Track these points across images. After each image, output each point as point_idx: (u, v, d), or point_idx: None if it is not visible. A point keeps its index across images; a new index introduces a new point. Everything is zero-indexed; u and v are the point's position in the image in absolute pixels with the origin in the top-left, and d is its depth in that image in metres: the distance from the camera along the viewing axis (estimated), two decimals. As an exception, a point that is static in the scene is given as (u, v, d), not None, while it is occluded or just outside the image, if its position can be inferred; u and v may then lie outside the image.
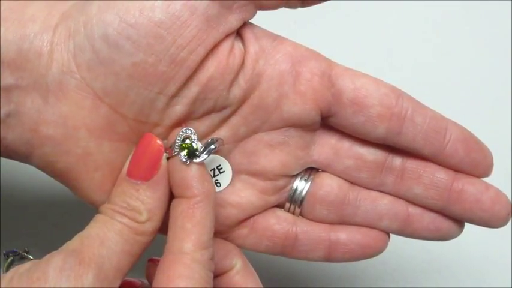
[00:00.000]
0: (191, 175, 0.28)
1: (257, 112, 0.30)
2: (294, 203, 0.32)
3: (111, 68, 0.27)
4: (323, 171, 0.32)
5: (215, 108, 0.29)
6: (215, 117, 0.30)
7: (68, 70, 0.27)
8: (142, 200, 0.27)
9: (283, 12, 0.55)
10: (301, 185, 0.32)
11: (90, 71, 0.27)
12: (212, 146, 0.28)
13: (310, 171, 0.32)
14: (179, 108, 0.28)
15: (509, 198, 0.45)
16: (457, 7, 0.55)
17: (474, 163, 0.31)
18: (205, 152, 0.28)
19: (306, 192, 0.32)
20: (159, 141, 0.28)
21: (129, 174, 0.28)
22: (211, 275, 0.27)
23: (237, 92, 0.29)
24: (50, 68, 0.27)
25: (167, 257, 0.27)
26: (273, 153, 0.31)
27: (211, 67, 0.28)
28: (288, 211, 0.32)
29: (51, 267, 0.25)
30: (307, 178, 0.32)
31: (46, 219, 0.45)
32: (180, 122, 0.29)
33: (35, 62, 0.27)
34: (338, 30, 0.54)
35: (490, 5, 0.55)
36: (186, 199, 0.27)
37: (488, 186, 0.32)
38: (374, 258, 0.43)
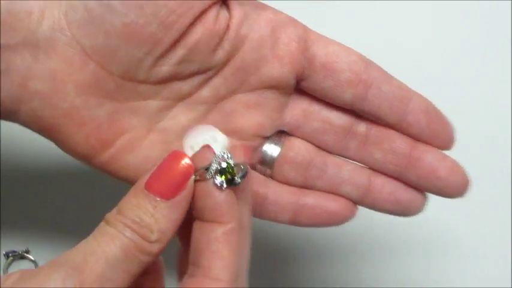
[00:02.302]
0: (226, 201, 0.27)
1: (238, 73, 0.31)
2: (265, 165, 0.33)
3: (101, 27, 0.28)
4: (292, 135, 0.33)
5: (200, 70, 0.30)
6: (199, 78, 0.31)
7: (58, 27, 0.28)
8: (157, 219, 0.26)
9: (283, 12, 0.55)
10: (272, 147, 0.33)
11: (80, 28, 0.28)
12: (246, 171, 0.27)
13: (281, 134, 0.33)
14: (165, 68, 0.29)
15: (509, 198, 0.46)
16: (457, 7, 0.55)
17: (435, 134, 0.32)
18: (242, 176, 0.27)
19: (277, 154, 0.33)
20: (188, 161, 0.27)
21: (148, 187, 0.26)
22: None
23: (221, 54, 0.30)
24: (40, 25, 0.27)
25: (201, 279, 0.26)
26: (249, 113, 0.32)
27: (198, 32, 0.29)
28: (259, 172, 0.33)
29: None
30: (278, 141, 0.33)
31: (46, 219, 0.45)
32: (166, 80, 0.30)
33: (25, 20, 0.27)
34: (338, 31, 0.54)
35: (490, 5, 0.55)
36: (221, 225, 0.27)
37: (445, 156, 0.33)
38: (374, 257, 0.43)
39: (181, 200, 0.26)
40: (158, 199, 0.26)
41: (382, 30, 0.54)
